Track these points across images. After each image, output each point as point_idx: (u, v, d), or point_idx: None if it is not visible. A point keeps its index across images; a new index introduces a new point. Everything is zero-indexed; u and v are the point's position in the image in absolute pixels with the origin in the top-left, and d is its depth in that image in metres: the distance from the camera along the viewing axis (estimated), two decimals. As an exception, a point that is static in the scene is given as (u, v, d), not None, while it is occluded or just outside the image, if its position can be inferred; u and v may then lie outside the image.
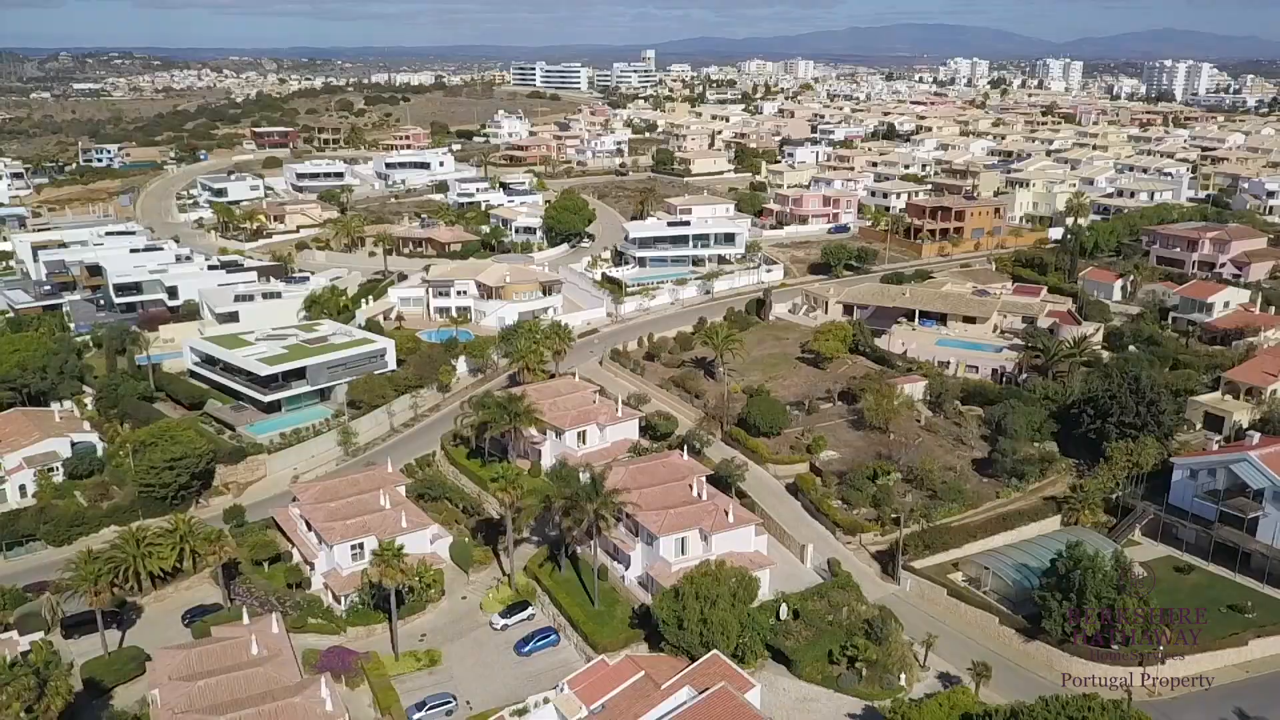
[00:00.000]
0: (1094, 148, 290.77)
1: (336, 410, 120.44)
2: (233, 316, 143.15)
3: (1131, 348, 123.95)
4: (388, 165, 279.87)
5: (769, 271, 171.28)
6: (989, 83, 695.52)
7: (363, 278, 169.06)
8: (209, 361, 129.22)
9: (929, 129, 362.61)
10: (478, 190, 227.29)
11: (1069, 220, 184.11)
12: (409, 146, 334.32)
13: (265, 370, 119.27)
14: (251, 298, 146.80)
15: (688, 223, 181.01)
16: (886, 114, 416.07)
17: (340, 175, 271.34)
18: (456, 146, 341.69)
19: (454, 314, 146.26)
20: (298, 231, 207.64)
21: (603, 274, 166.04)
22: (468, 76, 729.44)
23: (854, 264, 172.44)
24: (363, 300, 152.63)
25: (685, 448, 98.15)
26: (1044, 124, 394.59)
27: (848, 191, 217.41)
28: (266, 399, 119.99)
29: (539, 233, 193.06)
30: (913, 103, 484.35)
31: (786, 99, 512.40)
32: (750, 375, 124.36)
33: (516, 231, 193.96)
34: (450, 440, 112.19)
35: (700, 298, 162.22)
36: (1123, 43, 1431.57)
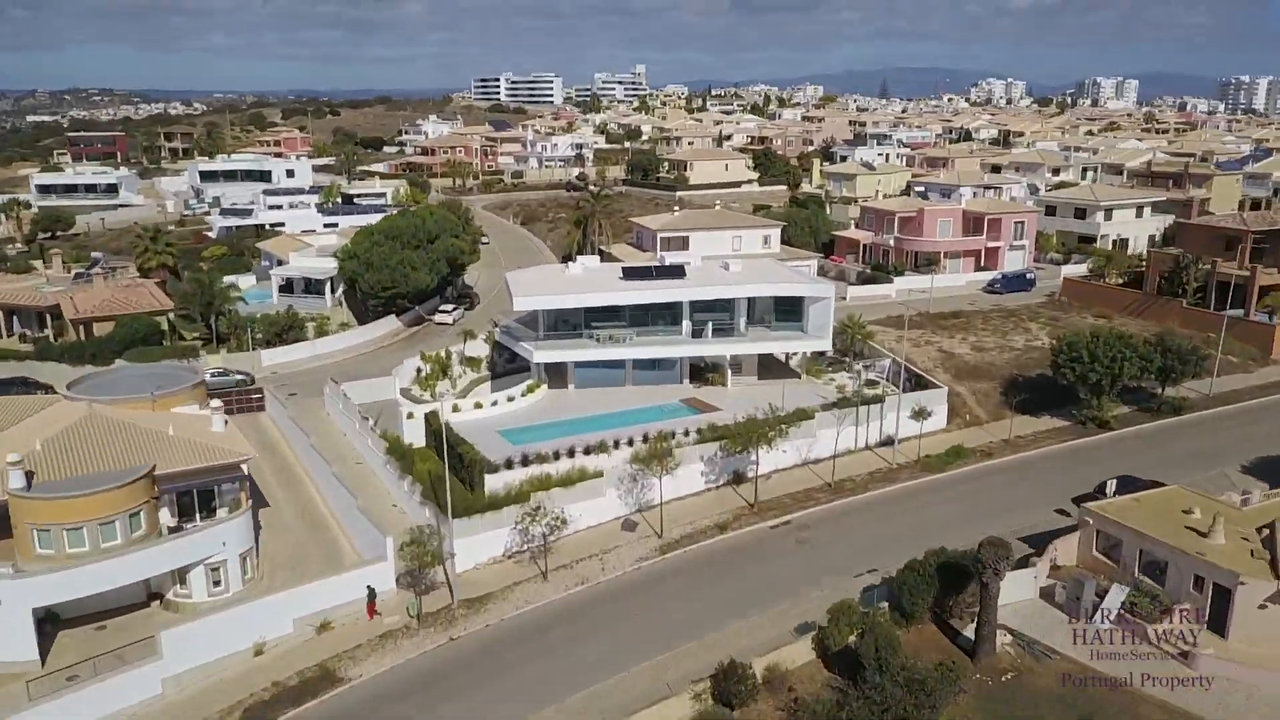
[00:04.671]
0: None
1: None
2: None
3: None
4: (202, 175, 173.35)
5: (916, 413, 61.85)
6: (1036, 101, 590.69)
7: None
8: None
9: (1019, 133, 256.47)
10: (265, 208, 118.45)
11: None
12: (280, 154, 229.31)
13: None
14: None
15: (681, 271, 72.39)
16: (948, 119, 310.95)
17: (112, 189, 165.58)
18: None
19: None
20: None
21: (450, 407, 56.63)
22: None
23: (1142, 383, 61.83)
24: None
25: None
26: (1165, 132, 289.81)
27: (1017, 207, 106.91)
28: None
29: (337, 291, 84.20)
30: (976, 105, 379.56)
31: (813, 107, 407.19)
32: None
33: (300, 288, 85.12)
34: None
35: (722, 510, 52.46)
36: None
